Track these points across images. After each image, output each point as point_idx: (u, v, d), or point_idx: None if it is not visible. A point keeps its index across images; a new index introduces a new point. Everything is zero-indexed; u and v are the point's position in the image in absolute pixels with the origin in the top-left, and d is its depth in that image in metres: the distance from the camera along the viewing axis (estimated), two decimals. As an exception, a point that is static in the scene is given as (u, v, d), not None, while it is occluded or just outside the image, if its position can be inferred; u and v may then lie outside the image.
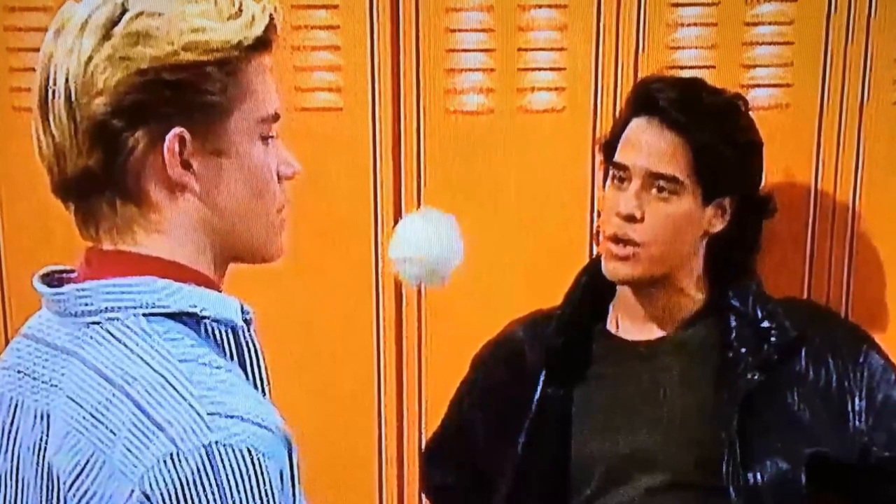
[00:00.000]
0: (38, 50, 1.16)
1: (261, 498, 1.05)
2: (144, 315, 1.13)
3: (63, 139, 1.13)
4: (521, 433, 1.93)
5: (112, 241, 1.18)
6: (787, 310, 1.89)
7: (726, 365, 1.85)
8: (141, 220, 1.16)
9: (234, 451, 1.04)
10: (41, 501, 1.17)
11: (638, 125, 1.85)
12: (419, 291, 2.26)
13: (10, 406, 1.22)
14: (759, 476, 1.78)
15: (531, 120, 2.18)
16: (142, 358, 1.10)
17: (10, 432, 1.22)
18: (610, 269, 1.87)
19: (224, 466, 1.04)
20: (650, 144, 1.83)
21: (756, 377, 1.82)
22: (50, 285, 1.20)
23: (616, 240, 1.84)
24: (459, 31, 2.16)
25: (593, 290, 1.97)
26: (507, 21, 2.15)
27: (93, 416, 1.09)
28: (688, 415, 1.86)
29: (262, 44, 1.17)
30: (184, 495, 1.03)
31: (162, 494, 1.03)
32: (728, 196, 1.86)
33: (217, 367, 1.11)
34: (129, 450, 1.05)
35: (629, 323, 1.94)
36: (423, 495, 2.30)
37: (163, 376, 1.08)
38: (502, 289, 2.23)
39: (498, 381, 2.03)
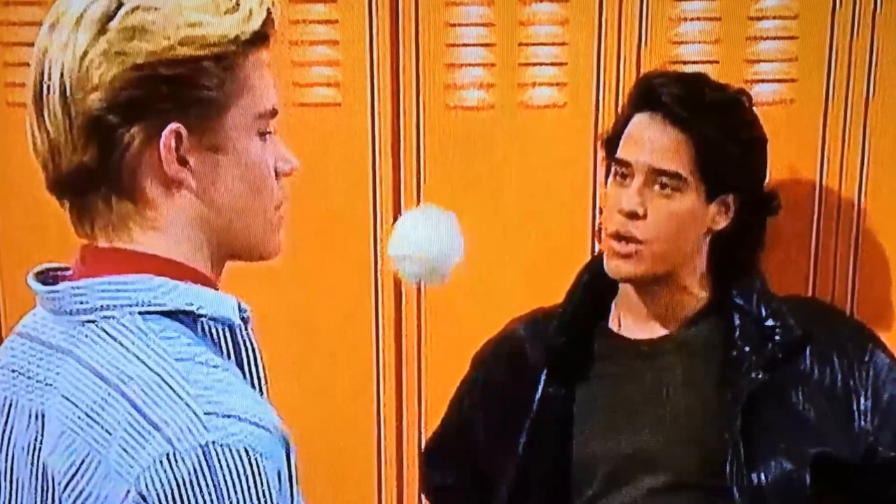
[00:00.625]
0: (32, 44, 1.16)
1: (258, 498, 1.05)
2: (140, 313, 1.13)
3: (58, 135, 1.13)
4: (522, 433, 1.93)
5: (107, 239, 1.18)
6: (791, 308, 1.89)
7: (730, 364, 1.85)
8: (137, 217, 1.16)
9: (231, 451, 1.04)
10: (36, 502, 1.17)
11: (640, 121, 1.85)
12: (419, 290, 2.26)
13: (4, 406, 1.22)
14: (763, 476, 1.78)
15: (532, 116, 2.18)
16: (137, 357, 1.10)
17: (4, 432, 1.22)
18: (612, 266, 1.87)
19: (221, 467, 1.04)
20: (653, 140, 1.83)
21: (760, 376, 1.82)
22: (45, 283, 1.20)
23: (618, 237, 1.84)
24: (459, 25, 2.16)
25: (595, 288, 1.97)
26: (507, 15, 2.15)
27: (88, 416, 1.09)
28: (691, 414, 1.86)
29: (260, 38, 1.17)
30: (180, 496, 1.03)
31: (158, 495, 1.03)
32: (732, 193, 1.86)
33: (214, 366, 1.11)
34: (124, 450, 1.05)
35: (631, 321, 1.94)
36: (423, 496, 2.30)
37: (159, 375, 1.08)
38: (503, 287, 2.24)
39: (499, 381, 2.03)
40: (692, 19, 2.12)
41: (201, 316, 1.16)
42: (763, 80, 2.12)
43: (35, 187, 1.19)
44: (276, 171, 1.23)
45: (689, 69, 2.07)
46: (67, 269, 1.22)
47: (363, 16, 2.16)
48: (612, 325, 1.97)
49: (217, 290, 1.21)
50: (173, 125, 1.12)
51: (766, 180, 1.93)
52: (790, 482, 1.78)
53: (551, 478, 1.92)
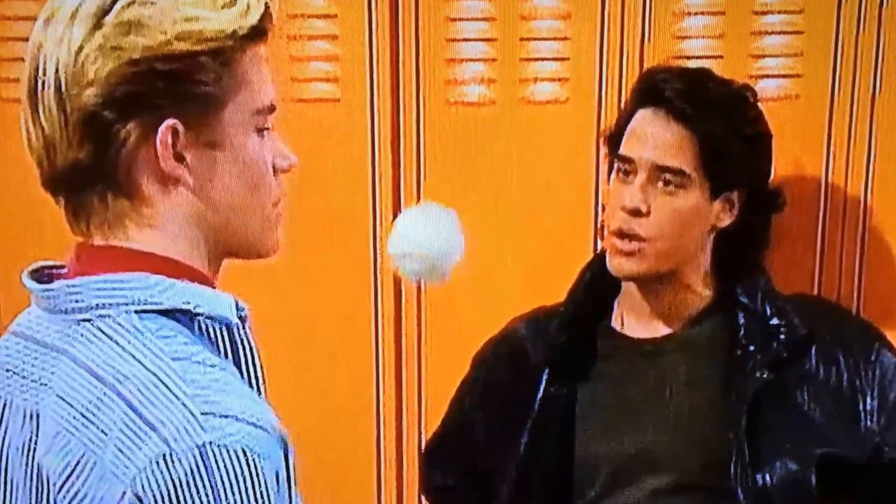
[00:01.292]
0: (27, 39, 1.16)
1: (256, 500, 1.05)
2: (136, 312, 1.13)
3: (53, 131, 1.13)
4: (524, 433, 1.93)
5: (103, 236, 1.18)
6: (796, 307, 1.89)
7: (734, 363, 1.85)
8: (133, 214, 1.16)
9: (228, 451, 1.04)
10: (31, 503, 1.17)
11: (643, 117, 1.85)
12: (419, 288, 2.26)
13: (-2, 405, 1.22)
14: (768, 477, 1.78)
15: (534, 111, 2.18)
16: (133, 356, 1.10)
17: (-2, 432, 1.22)
18: (615, 264, 1.87)
19: (218, 467, 1.03)
20: (656, 137, 1.83)
21: (765, 376, 1.82)
22: (39, 281, 1.20)
23: (621, 234, 1.84)
24: (460, 20, 2.16)
25: (597, 286, 1.97)
26: (508, 10, 2.14)
27: (83, 416, 1.09)
28: (695, 414, 1.86)
29: (258, 33, 1.17)
30: (177, 497, 1.03)
31: (154, 496, 1.03)
32: (736, 190, 1.86)
33: (211, 366, 1.11)
34: (120, 450, 1.05)
35: (634, 320, 1.94)
36: (423, 497, 2.30)
37: (155, 375, 1.08)
38: (504, 285, 2.23)
39: (500, 380, 2.03)
40: (696, 13, 2.12)
41: (198, 315, 1.16)
42: (768, 76, 2.12)
43: (30, 184, 1.19)
44: (274, 168, 1.23)
45: (692, 64, 2.07)
46: (63, 267, 1.22)
47: (362, 10, 2.16)
48: (615, 323, 1.97)
49: (214, 288, 1.21)
50: (170, 121, 1.12)
51: (771, 177, 1.93)
52: (795, 483, 1.78)
53: (553, 478, 1.92)
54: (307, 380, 2.30)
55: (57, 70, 1.12)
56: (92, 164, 1.13)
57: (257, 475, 1.05)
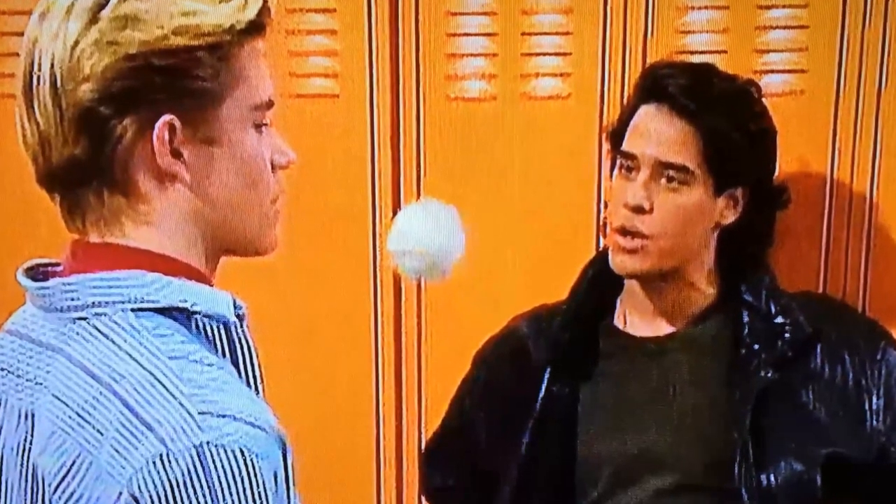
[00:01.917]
0: (22, 34, 1.16)
1: (254, 500, 1.05)
2: (133, 310, 1.13)
3: (48, 127, 1.13)
4: (525, 433, 1.93)
5: (99, 234, 1.18)
6: (801, 305, 1.89)
7: (739, 362, 1.85)
8: (129, 211, 1.16)
9: (226, 451, 1.04)
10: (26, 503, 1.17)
11: (646, 112, 1.85)
12: (419, 286, 2.26)
13: (-7, 405, 1.22)
14: (772, 478, 1.78)
15: (535, 107, 2.18)
16: (130, 355, 1.10)
17: (-7, 432, 1.22)
18: (617, 262, 1.87)
19: (216, 468, 1.03)
20: (659, 132, 1.82)
21: (770, 375, 1.82)
22: (35, 279, 1.20)
23: (624, 232, 1.84)
24: (461, 14, 2.16)
25: (600, 284, 1.97)
26: (510, 4, 2.14)
27: (79, 416, 1.09)
28: (699, 414, 1.86)
29: (256, 28, 1.17)
30: (174, 497, 1.03)
31: (151, 497, 1.03)
32: (740, 186, 1.86)
33: (208, 365, 1.11)
34: (116, 450, 1.05)
35: (637, 318, 1.94)
36: (423, 497, 2.30)
37: (152, 374, 1.08)
38: (505, 283, 2.23)
39: (501, 379, 2.03)
40: (700, 8, 2.12)
41: (195, 313, 1.16)
42: (772, 71, 2.12)
43: (25, 180, 1.19)
44: (272, 164, 1.23)
45: (696, 59, 2.06)
46: (58, 264, 1.22)
47: (362, 5, 2.16)
48: (618, 322, 1.97)
49: (212, 286, 1.21)
50: (167, 117, 1.12)
51: (776, 173, 1.93)
52: (800, 483, 1.78)
53: (555, 479, 1.92)
54: (306, 379, 2.30)
55: (52, 65, 1.12)
56: (88, 161, 1.13)
57: (255, 475, 1.05)
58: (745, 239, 1.90)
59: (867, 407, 1.84)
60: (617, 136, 1.90)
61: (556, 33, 2.15)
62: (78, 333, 1.14)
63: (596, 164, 2.18)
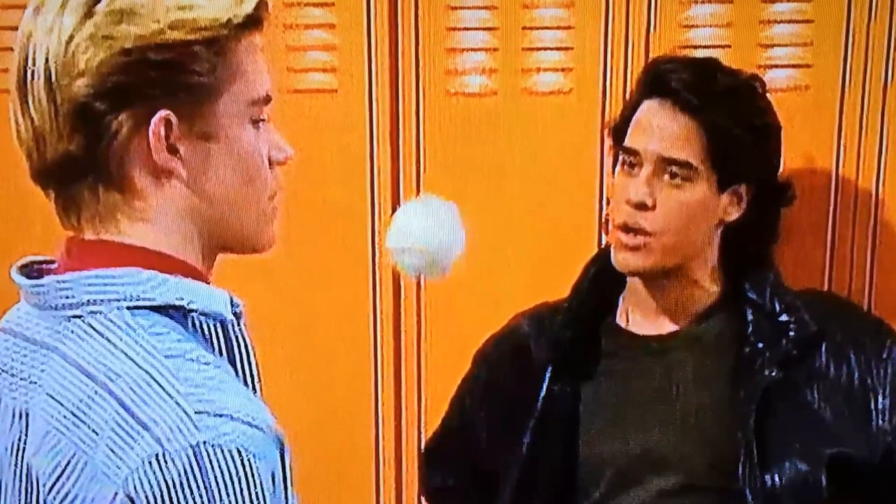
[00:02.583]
0: (16, 28, 1.16)
1: (251, 501, 1.05)
2: (128, 308, 1.13)
3: (43, 122, 1.13)
4: (527, 433, 1.93)
5: (94, 231, 1.18)
6: (806, 303, 1.89)
7: (743, 361, 1.85)
8: (125, 207, 1.16)
9: (222, 451, 1.04)
10: (20, 504, 1.17)
11: (649, 108, 1.85)
12: (418, 283, 2.26)
13: (-13, 404, 1.22)
14: (777, 478, 1.78)
15: (536, 102, 2.18)
16: (125, 353, 1.10)
17: (-13, 432, 1.22)
18: (620, 259, 1.87)
19: (212, 468, 1.03)
20: (662, 128, 1.82)
21: (774, 373, 1.82)
22: (29, 277, 1.20)
23: (626, 229, 1.84)
24: (461, 8, 2.16)
25: (602, 281, 1.96)
26: (511, -2, 2.15)
27: (74, 415, 1.09)
28: (702, 413, 1.86)
29: (253, 22, 1.17)
30: (170, 498, 1.03)
31: (147, 497, 1.03)
32: (744, 182, 1.86)
33: (205, 364, 1.11)
34: (112, 450, 1.05)
35: (640, 316, 1.94)
36: (423, 497, 2.30)
37: (148, 373, 1.08)
38: (506, 280, 2.23)
39: (501, 378, 2.03)
40: (703, 2, 2.12)
41: (192, 311, 1.16)
42: (777, 66, 2.12)
43: (19, 177, 1.19)
44: (269, 160, 1.23)
45: (699, 54, 2.07)
46: (52, 262, 1.22)
47: (360, -2, 2.16)
48: (620, 320, 1.97)
49: (208, 283, 1.21)
50: (163, 112, 1.12)
51: (781, 169, 1.93)
52: (805, 483, 1.78)
53: (556, 479, 1.92)
54: (304, 378, 2.30)
55: (47, 60, 1.12)
56: (83, 157, 1.13)
57: (252, 476, 1.05)
58: (750, 236, 1.90)
59: (873, 406, 1.84)
60: (619, 131, 1.89)
61: (558, 28, 2.15)
62: (73, 332, 1.14)
63: (598, 160, 2.18)
